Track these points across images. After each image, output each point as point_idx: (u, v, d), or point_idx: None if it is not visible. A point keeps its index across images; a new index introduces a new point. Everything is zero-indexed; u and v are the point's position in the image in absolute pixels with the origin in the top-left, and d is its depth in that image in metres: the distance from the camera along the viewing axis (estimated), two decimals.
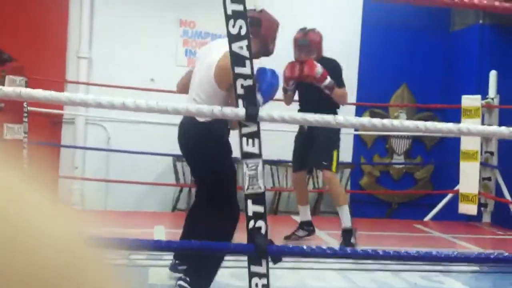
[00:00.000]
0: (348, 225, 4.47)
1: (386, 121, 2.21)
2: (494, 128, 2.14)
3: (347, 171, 6.90)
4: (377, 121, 2.16)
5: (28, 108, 5.17)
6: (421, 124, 2.26)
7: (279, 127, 5.80)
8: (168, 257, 4.01)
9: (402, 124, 2.24)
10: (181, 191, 6.39)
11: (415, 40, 6.89)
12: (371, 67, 6.87)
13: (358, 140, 6.98)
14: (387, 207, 7.01)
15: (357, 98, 6.91)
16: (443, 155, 6.82)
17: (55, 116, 6.14)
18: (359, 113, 6.89)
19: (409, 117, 6.99)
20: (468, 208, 6.00)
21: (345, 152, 6.94)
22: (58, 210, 0.31)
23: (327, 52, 6.81)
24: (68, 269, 0.28)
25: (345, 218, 4.48)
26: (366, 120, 2.09)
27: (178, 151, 7.22)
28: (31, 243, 0.27)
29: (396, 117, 6.95)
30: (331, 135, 4.52)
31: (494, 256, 2.20)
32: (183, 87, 3.28)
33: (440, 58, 7.10)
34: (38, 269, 0.27)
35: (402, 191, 6.90)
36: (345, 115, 2.29)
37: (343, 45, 6.88)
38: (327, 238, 5.32)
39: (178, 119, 6.41)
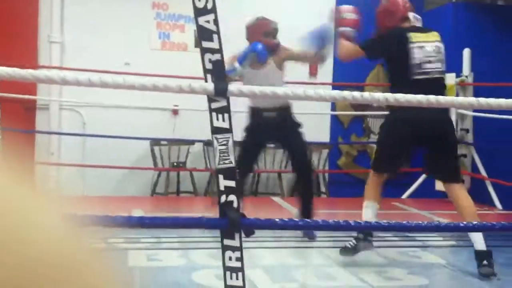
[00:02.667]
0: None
1: (356, 94, 2.22)
2: (462, 99, 2.17)
3: (325, 152, 6.93)
4: (347, 93, 2.16)
5: (0, 94, 5.09)
6: (390, 96, 2.27)
7: None
8: (145, 240, 4.01)
9: (372, 97, 2.25)
10: (159, 175, 6.37)
11: None
12: None
13: (335, 121, 7.01)
14: (365, 186, 7.07)
15: (333, 79, 6.92)
16: None
17: (29, 102, 6.06)
18: None
19: None
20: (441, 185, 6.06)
21: (323, 133, 6.97)
22: (44, 199, 0.31)
23: (300, 31, 6.80)
24: (59, 259, 0.28)
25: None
26: (335, 92, 2.10)
27: (155, 135, 7.20)
28: (22, 236, 0.27)
29: None
30: (382, 130, 3.97)
31: (464, 225, 2.23)
32: None
33: None
34: (30, 261, 0.27)
35: None
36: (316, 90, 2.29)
37: (318, 24, 6.88)
38: None
39: (153, 103, 6.37)
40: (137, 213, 4.70)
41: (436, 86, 3.64)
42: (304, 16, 7.01)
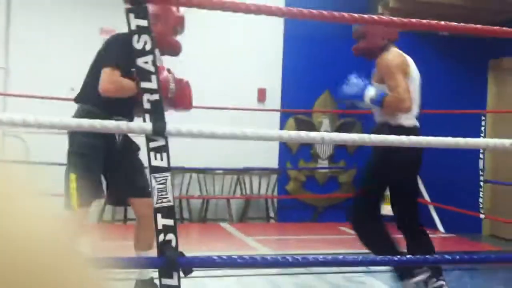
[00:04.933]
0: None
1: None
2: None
3: (274, 177, 6.99)
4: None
5: None
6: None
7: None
8: None
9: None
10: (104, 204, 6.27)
11: (335, 48, 7.02)
12: (294, 73, 7.00)
13: (283, 146, 7.08)
14: (313, 211, 7.16)
15: (281, 105, 7.01)
16: (364, 159, 7.04)
17: None
18: (283, 119, 7.00)
19: (332, 123, 7.18)
20: (388, 209, 6.19)
21: (271, 158, 7.03)
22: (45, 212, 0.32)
23: (249, 59, 6.89)
24: (52, 269, 0.29)
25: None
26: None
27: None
28: (17, 244, 0.28)
29: (320, 123, 7.12)
30: None
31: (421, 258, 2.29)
32: None
33: (357, 64, 7.32)
34: (24, 270, 0.28)
35: (327, 195, 7.06)
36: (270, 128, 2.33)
37: (266, 53, 6.99)
38: (255, 244, 5.39)
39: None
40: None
41: None
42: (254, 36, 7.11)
